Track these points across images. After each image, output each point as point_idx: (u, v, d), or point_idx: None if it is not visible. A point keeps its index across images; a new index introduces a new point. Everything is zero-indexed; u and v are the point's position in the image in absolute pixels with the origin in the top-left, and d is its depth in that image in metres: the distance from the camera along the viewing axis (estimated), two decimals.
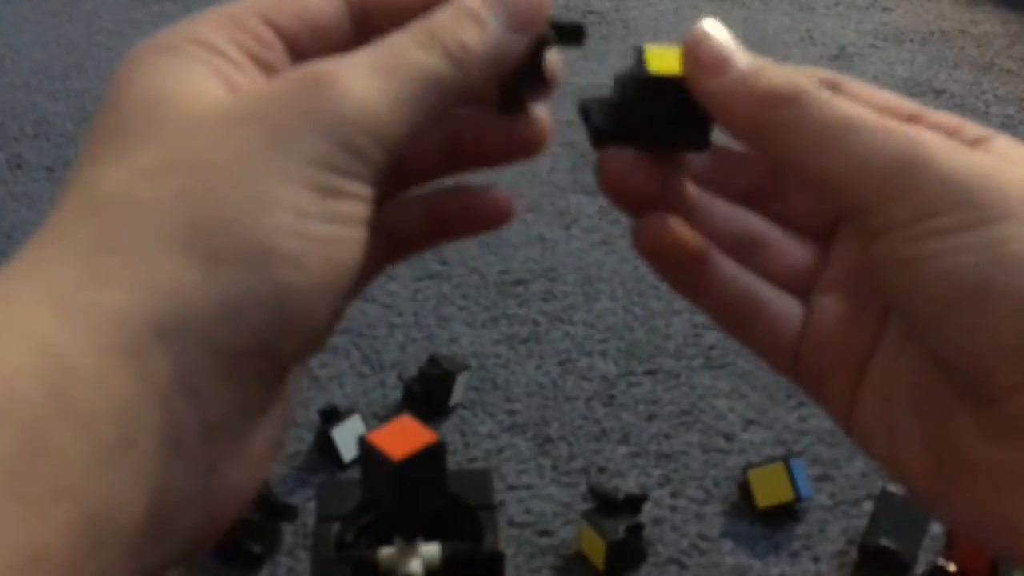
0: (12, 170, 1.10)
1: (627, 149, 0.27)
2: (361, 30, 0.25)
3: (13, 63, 1.38)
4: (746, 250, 0.28)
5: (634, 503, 0.66)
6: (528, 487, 0.70)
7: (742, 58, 0.25)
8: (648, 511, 0.68)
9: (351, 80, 0.22)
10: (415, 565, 0.53)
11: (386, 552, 0.54)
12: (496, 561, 0.54)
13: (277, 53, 0.24)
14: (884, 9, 1.60)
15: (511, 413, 0.77)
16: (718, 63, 0.25)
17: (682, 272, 0.28)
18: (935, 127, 0.25)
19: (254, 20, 0.24)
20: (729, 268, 0.28)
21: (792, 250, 0.28)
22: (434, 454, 0.52)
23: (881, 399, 0.26)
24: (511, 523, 0.67)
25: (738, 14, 1.56)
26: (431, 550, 0.54)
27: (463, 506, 0.56)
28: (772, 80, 0.24)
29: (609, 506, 0.65)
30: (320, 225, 0.21)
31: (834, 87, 0.26)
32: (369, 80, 0.22)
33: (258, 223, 0.20)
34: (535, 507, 0.69)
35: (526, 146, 0.27)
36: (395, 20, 0.24)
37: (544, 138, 0.27)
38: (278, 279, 0.20)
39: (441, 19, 0.24)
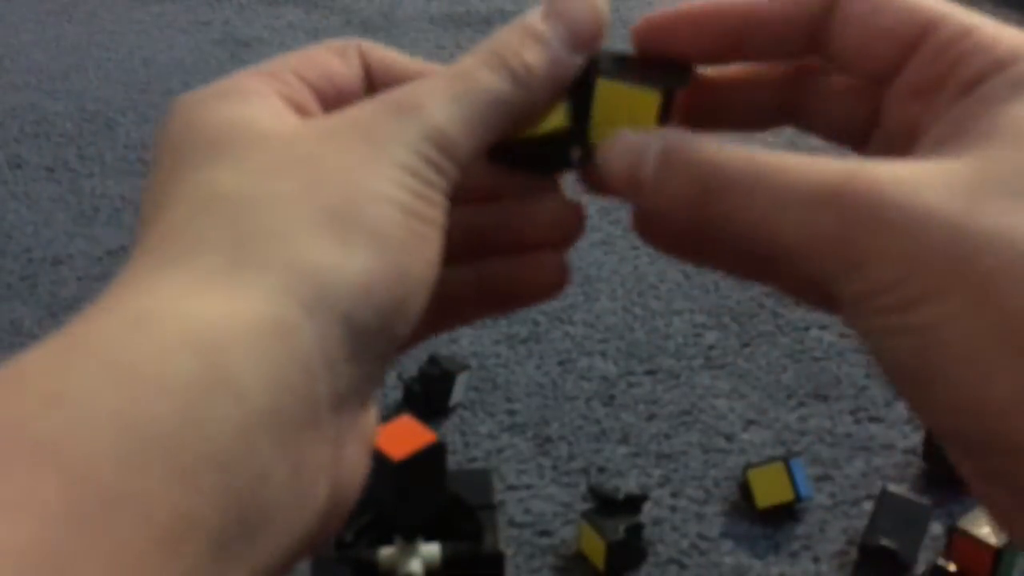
0: (12, 170, 1.10)
1: None
2: (373, 87, 0.27)
3: (13, 63, 1.38)
4: None
5: (634, 503, 0.66)
6: (528, 487, 0.70)
7: (650, 156, 0.24)
8: (648, 511, 0.68)
9: (432, 106, 0.23)
10: (415, 565, 0.53)
11: (386, 552, 0.54)
12: (496, 561, 0.54)
13: (309, 101, 0.25)
14: None
15: (511, 413, 0.77)
16: (630, 183, 0.24)
17: (689, 255, 0.28)
18: (933, 58, 0.23)
19: (287, 73, 0.25)
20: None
21: None
22: (434, 454, 0.52)
23: None
24: (511, 523, 0.67)
25: None
26: (431, 550, 0.54)
27: (463, 506, 0.56)
28: (680, 183, 0.23)
29: (609, 506, 0.65)
30: (417, 222, 0.22)
31: (833, 2, 0.24)
32: (447, 106, 0.24)
33: (375, 211, 0.22)
34: (535, 507, 0.69)
35: (556, 227, 0.28)
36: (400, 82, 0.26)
37: (574, 219, 0.28)
38: (397, 259, 0.22)
39: (506, 40, 0.25)
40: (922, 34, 0.23)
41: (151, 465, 0.17)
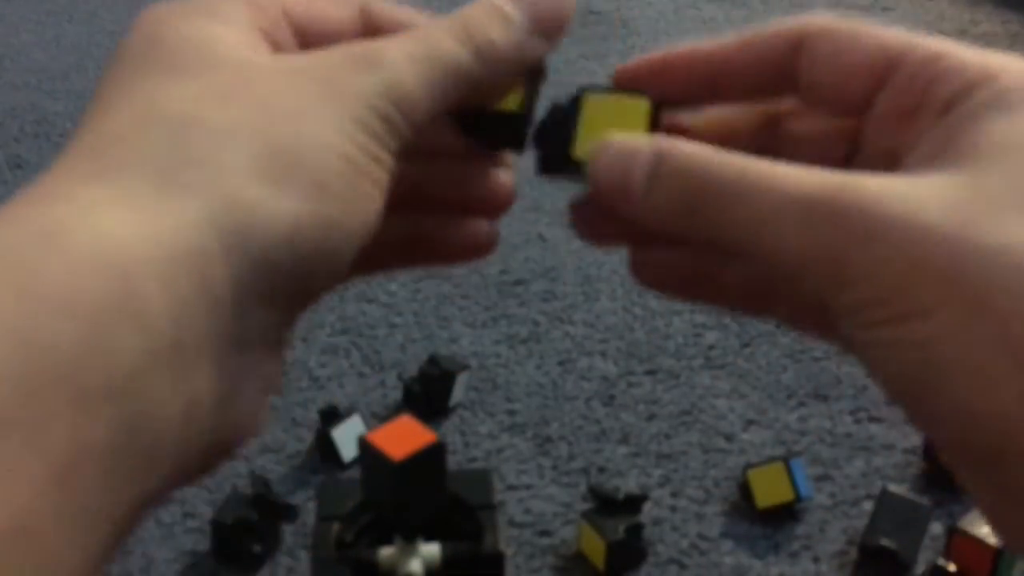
0: (12, 170, 1.10)
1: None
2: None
3: (13, 63, 1.38)
4: None
5: (634, 503, 0.66)
6: (528, 487, 0.70)
7: (640, 163, 0.24)
8: (648, 511, 0.68)
9: (395, 64, 0.24)
10: (415, 565, 0.53)
11: (386, 552, 0.54)
12: (496, 561, 0.54)
13: (286, 38, 0.25)
14: (884, 9, 1.60)
15: (511, 413, 0.77)
16: (619, 190, 0.24)
17: (687, 293, 0.28)
18: (905, 88, 0.23)
19: (272, 6, 0.25)
20: (734, 271, 0.27)
21: None
22: (434, 454, 0.52)
23: None
24: (511, 523, 0.67)
25: (738, 14, 1.56)
26: (431, 550, 0.54)
27: (463, 506, 0.56)
28: (672, 191, 0.23)
29: (609, 506, 0.65)
30: (359, 177, 0.22)
31: (799, 45, 0.25)
32: (409, 66, 0.24)
33: (318, 160, 0.22)
34: (535, 507, 0.69)
35: (489, 195, 0.28)
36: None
37: (505, 190, 0.28)
38: (330, 212, 0.22)
39: (474, 15, 0.25)
40: (892, 66, 0.24)
41: (48, 389, 0.17)
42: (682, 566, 0.65)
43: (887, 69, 0.24)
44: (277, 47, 0.25)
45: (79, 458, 0.17)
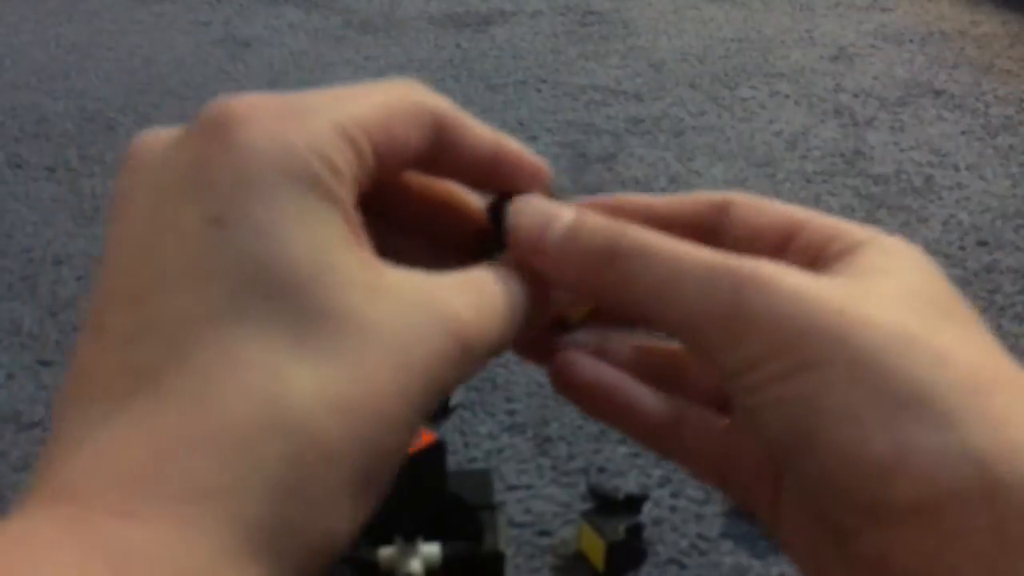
0: (12, 170, 1.10)
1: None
2: (437, 160, 0.26)
3: (13, 63, 1.38)
4: (667, 376, 0.29)
5: (634, 503, 0.66)
6: (528, 487, 0.71)
7: (559, 222, 0.25)
8: (648, 511, 0.68)
9: (481, 349, 0.23)
10: (415, 565, 0.53)
11: (386, 552, 0.54)
12: (496, 561, 0.54)
13: (370, 175, 0.23)
14: (884, 9, 1.60)
15: (511, 413, 0.77)
16: (534, 239, 0.25)
17: (600, 407, 0.28)
18: (806, 245, 0.26)
19: (365, 140, 0.23)
20: (649, 398, 0.28)
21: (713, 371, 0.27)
22: (434, 454, 0.52)
23: (796, 513, 0.25)
24: (511, 523, 0.67)
25: (738, 14, 1.56)
26: (431, 550, 0.54)
27: (463, 506, 0.56)
28: (588, 244, 0.24)
29: (609, 506, 0.65)
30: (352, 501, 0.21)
31: (723, 209, 0.27)
32: (478, 327, 0.23)
33: (385, 477, 0.21)
34: (535, 507, 0.69)
35: None
36: (464, 170, 0.26)
37: None
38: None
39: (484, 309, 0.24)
40: (797, 227, 0.26)
41: None
42: (682, 566, 0.65)
43: (793, 229, 0.26)
44: (360, 185, 0.23)
45: None
